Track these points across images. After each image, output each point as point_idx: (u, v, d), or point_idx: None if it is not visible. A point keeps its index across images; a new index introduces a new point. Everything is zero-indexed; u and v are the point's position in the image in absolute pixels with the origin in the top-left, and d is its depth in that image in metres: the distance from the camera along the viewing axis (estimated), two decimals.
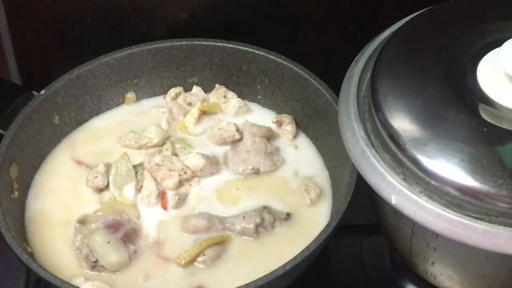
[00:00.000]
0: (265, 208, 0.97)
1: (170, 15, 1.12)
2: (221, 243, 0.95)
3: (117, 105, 1.11)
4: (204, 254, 0.93)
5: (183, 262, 0.93)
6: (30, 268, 0.87)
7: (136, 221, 0.97)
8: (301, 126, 1.07)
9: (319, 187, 1.00)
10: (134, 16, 1.11)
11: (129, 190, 0.99)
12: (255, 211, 0.96)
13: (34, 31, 1.11)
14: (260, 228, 0.95)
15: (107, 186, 1.00)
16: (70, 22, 1.11)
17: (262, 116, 1.09)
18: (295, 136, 1.06)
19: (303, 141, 1.07)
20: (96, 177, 1.00)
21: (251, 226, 0.95)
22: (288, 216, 0.97)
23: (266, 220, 0.95)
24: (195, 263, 0.93)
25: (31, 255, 0.92)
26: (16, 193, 0.98)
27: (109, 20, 1.11)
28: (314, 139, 1.06)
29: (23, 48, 1.13)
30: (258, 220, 0.95)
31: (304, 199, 0.99)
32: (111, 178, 1.00)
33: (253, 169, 1.01)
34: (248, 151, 1.02)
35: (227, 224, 0.96)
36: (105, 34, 1.11)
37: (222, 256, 0.94)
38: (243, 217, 0.96)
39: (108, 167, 1.01)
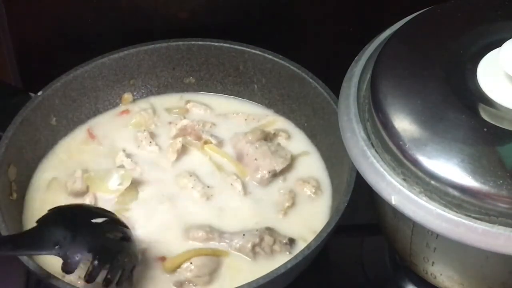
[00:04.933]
0: (268, 229, 0.96)
1: (170, 15, 1.11)
2: (213, 256, 0.94)
3: (114, 106, 1.11)
4: (191, 262, 0.93)
5: (167, 265, 0.93)
6: (30, 269, 0.87)
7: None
8: (298, 125, 1.07)
9: (318, 186, 1.01)
10: (134, 16, 1.11)
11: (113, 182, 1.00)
12: (257, 230, 0.95)
13: (34, 32, 1.11)
14: (257, 248, 0.94)
15: (87, 190, 1.00)
16: (70, 22, 1.11)
17: (260, 115, 1.09)
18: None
19: (301, 140, 1.07)
20: (75, 182, 1.00)
21: (249, 245, 0.93)
22: (291, 242, 0.95)
23: (265, 242, 0.94)
24: (180, 269, 0.93)
25: (31, 256, 0.92)
26: (14, 195, 0.98)
27: (109, 20, 1.11)
28: (312, 137, 1.06)
29: (23, 48, 1.12)
30: (257, 240, 0.94)
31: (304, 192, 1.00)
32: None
33: (269, 172, 1.01)
34: (256, 159, 1.01)
35: (226, 240, 0.95)
36: (105, 34, 1.11)
37: (215, 270, 0.93)
38: (243, 234, 0.95)
39: (85, 171, 1.01)
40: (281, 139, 1.06)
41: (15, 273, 1.00)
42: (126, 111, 1.10)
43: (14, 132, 0.99)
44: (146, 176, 1.02)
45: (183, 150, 1.04)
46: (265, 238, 0.94)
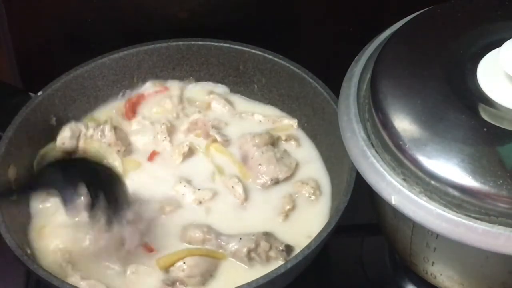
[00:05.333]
0: (265, 234, 0.95)
1: (170, 15, 1.12)
2: (207, 257, 0.93)
3: None
4: (184, 262, 0.92)
5: (161, 263, 0.93)
6: (30, 269, 0.87)
7: None
8: (299, 125, 1.07)
9: (317, 187, 1.00)
10: (134, 16, 1.11)
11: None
12: (254, 235, 0.94)
13: (34, 32, 1.11)
14: (252, 254, 0.93)
15: (75, 150, 1.02)
16: (70, 22, 1.11)
17: (274, 119, 1.09)
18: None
19: (302, 140, 1.06)
20: (63, 143, 1.02)
21: (244, 250, 0.93)
22: (287, 249, 0.94)
23: (261, 247, 0.93)
24: (173, 267, 0.93)
25: (31, 256, 0.92)
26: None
27: (109, 20, 1.11)
28: (313, 137, 1.06)
29: (23, 48, 1.12)
30: (252, 245, 0.93)
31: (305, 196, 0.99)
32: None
33: (272, 179, 1.00)
34: (260, 164, 1.01)
35: (222, 243, 0.94)
36: (105, 34, 1.11)
37: (209, 272, 0.93)
38: (240, 238, 0.94)
39: (74, 130, 1.03)
40: (290, 146, 1.05)
41: (15, 273, 1.00)
42: (166, 89, 1.11)
43: (14, 132, 0.99)
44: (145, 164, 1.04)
45: (189, 153, 1.04)
46: (261, 244, 0.93)
